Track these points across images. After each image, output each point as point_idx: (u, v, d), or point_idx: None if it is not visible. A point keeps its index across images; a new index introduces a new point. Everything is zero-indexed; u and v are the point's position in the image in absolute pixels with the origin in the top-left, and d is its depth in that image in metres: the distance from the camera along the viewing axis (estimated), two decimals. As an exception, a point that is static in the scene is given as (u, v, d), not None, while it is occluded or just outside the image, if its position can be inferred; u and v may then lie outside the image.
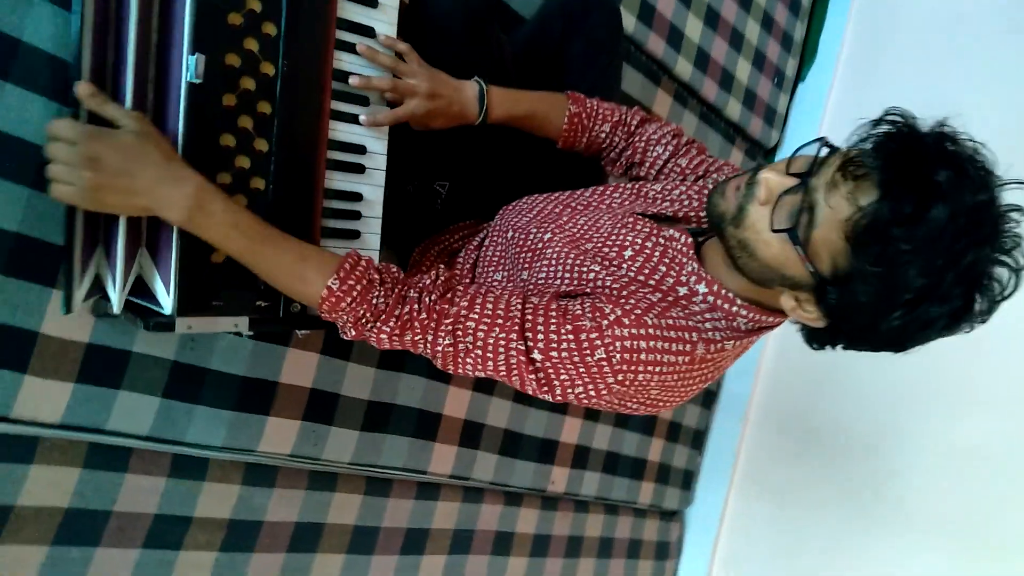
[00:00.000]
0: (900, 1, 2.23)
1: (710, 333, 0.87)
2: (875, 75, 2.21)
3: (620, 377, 0.83)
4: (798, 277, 0.78)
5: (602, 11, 1.29)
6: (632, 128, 1.17)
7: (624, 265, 0.94)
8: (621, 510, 1.96)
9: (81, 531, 1.04)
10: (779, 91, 2.27)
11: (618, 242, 0.96)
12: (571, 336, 0.84)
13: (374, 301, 0.87)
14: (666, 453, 2.04)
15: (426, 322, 0.88)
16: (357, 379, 1.30)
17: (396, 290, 0.89)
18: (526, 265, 1.01)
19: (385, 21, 1.03)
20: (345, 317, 0.88)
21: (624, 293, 0.90)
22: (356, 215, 1.03)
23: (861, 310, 0.74)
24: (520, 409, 1.60)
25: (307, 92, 0.95)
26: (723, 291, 0.88)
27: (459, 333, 0.88)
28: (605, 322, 0.83)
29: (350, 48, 0.99)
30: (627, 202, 1.06)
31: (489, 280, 1.08)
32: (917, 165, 0.69)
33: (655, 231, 0.96)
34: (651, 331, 0.83)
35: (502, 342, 0.87)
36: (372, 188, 1.04)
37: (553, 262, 0.98)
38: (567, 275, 0.96)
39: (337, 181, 1.00)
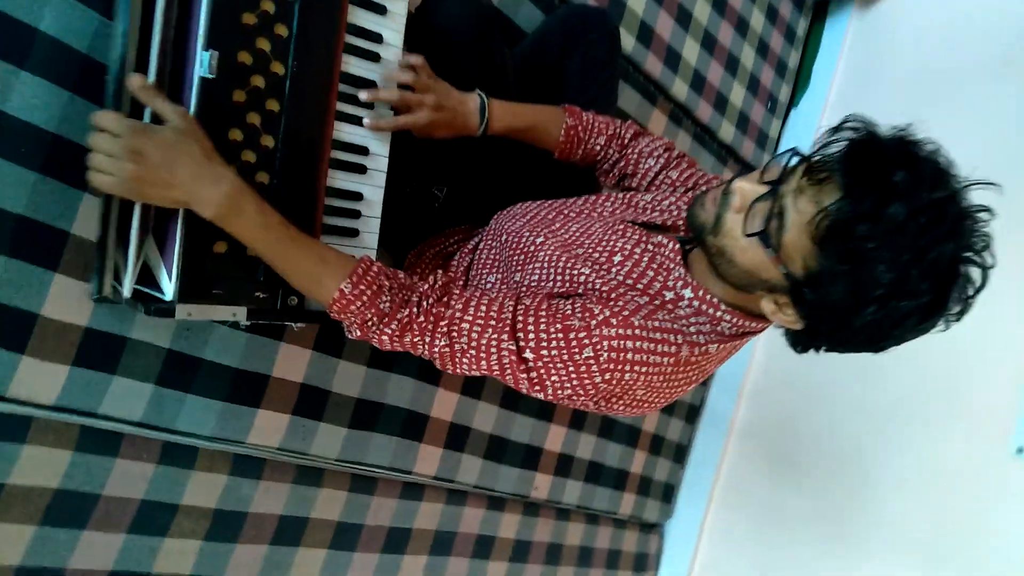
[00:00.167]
0: (894, 33, 2.29)
1: (694, 336, 0.90)
2: (866, 105, 2.24)
3: (607, 376, 0.86)
4: (774, 280, 0.82)
5: (601, 29, 1.33)
6: (625, 141, 1.21)
7: (613, 269, 0.97)
8: (602, 520, 1.98)
9: (69, 513, 1.05)
10: (772, 116, 2.32)
11: (608, 247, 0.99)
12: (560, 335, 0.87)
13: (381, 306, 0.91)
14: (648, 465, 2.07)
15: (424, 324, 0.92)
16: (348, 377, 1.32)
17: (400, 295, 0.93)
18: (519, 268, 1.05)
19: (393, 28, 1.06)
20: (352, 319, 0.92)
21: (613, 295, 0.93)
22: (356, 214, 1.06)
23: (835, 308, 0.77)
24: (506, 415, 1.62)
25: (315, 92, 0.98)
26: (708, 296, 0.92)
27: (455, 334, 0.92)
28: (594, 322, 0.86)
29: (358, 52, 1.03)
30: (618, 210, 1.09)
31: (483, 282, 1.11)
32: (876, 167, 0.73)
33: (644, 238, 1.00)
34: (637, 332, 0.86)
35: (494, 342, 0.90)
36: (373, 188, 1.07)
37: (545, 265, 1.01)
38: (558, 277, 0.99)
39: (339, 180, 1.03)
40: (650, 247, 0.98)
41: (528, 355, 0.89)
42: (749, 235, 0.81)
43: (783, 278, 0.80)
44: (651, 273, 0.96)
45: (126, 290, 0.89)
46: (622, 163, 1.20)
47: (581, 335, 0.86)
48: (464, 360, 0.94)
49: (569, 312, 0.89)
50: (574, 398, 0.91)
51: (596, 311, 0.88)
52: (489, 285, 1.10)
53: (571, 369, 0.87)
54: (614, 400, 0.92)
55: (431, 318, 0.92)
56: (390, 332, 0.93)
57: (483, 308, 0.92)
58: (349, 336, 0.96)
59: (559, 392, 0.91)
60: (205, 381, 1.14)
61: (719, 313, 0.92)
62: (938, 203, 0.72)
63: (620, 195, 1.12)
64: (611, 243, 1.00)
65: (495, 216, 1.19)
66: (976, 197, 0.76)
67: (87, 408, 1.04)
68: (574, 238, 1.03)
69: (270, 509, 1.27)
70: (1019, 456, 1.61)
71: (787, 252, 0.79)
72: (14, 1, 0.92)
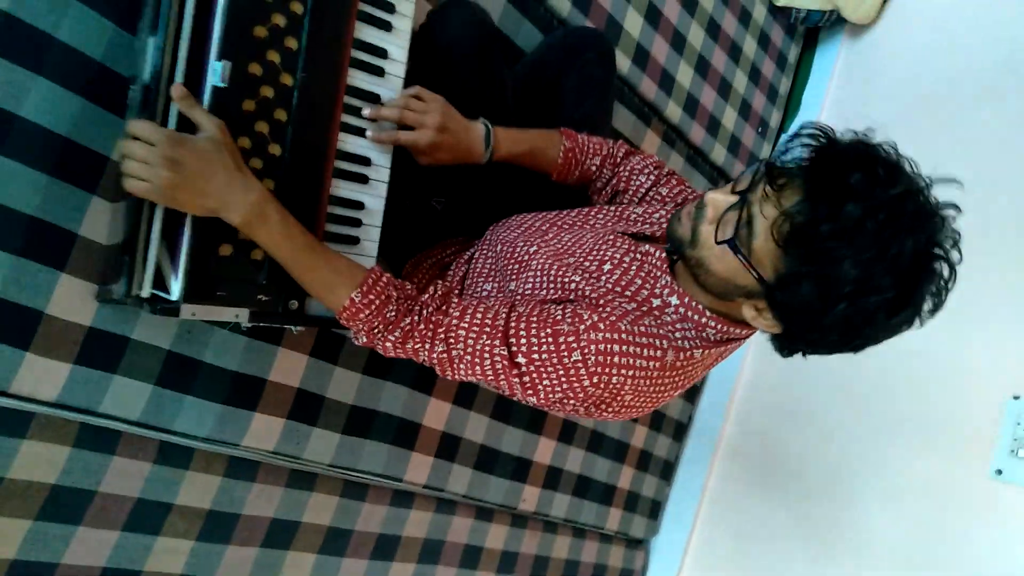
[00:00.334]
0: (882, 62, 2.35)
1: (680, 341, 0.94)
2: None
3: (595, 379, 0.89)
4: (749, 286, 0.85)
5: (598, 50, 1.38)
6: (618, 160, 1.25)
7: (603, 277, 1.00)
8: (588, 534, 2.00)
9: (65, 509, 1.07)
10: (762, 139, 2.37)
11: (598, 256, 1.03)
12: (550, 339, 0.91)
13: (387, 314, 0.96)
14: (636, 481, 2.09)
15: (424, 332, 0.96)
16: (343, 383, 1.34)
17: (405, 304, 0.97)
18: (514, 276, 1.08)
19: (397, 44, 1.10)
20: (360, 326, 0.96)
21: (602, 302, 0.96)
22: (357, 222, 1.09)
23: (806, 308, 0.80)
24: (498, 426, 1.64)
25: (321, 103, 1.01)
26: (693, 303, 0.95)
27: (451, 341, 0.96)
28: (582, 327, 0.90)
29: (364, 66, 1.06)
30: (610, 223, 1.13)
31: (479, 290, 1.14)
32: (833, 169, 0.76)
33: (633, 247, 1.03)
34: (624, 336, 0.89)
35: (487, 348, 0.94)
36: (374, 198, 1.10)
37: (538, 273, 1.05)
38: (551, 285, 1.03)
39: (342, 189, 1.06)
40: (638, 256, 1.02)
41: (520, 360, 0.93)
42: (719, 243, 0.84)
43: (756, 283, 0.84)
44: (639, 281, 0.99)
45: (145, 290, 0.91)
46: (615, 181, 1.24)
47: (570, 339, 0.90)
48: (461, 366, 0.97)
49: (559, 317, 0.93)
50: (565, 402, 0.94)
51: (585, 316, 0.91)
52: (485, 293, 1.13)
53: (561, 373, 0.91)
54: (603, 406, 0.95)
55: (431, 326, 0.96)
56: (393, 339, 0.97)
57: (478, 316, 0.96)
58: (355, 342, 1.01)
59: (551, 396, 0.94)
60: (204, 383, 1.17)
61: (704, 319, 0.95)
62: (895, 200, 0.74)
63: (612, 208, 1.16)
64: (601, 252, 1.03)
65: (490, 228, 1.22)
66: (945, 196, 0.79)
67: (87, 406, 1.06)
68: (566, 248, 1.07)
69: (262, 512, 1.29)
70: (998, 477, 1.64)
71: (757, 257, 0.82)
72: (34, 10, 0.95)
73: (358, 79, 1.06)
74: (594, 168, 1.24)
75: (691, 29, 2.00)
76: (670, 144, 2.03)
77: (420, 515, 1.55)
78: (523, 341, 0.92)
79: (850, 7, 2.29)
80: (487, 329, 0.94)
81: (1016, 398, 1.67)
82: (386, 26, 1.08)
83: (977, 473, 1.68)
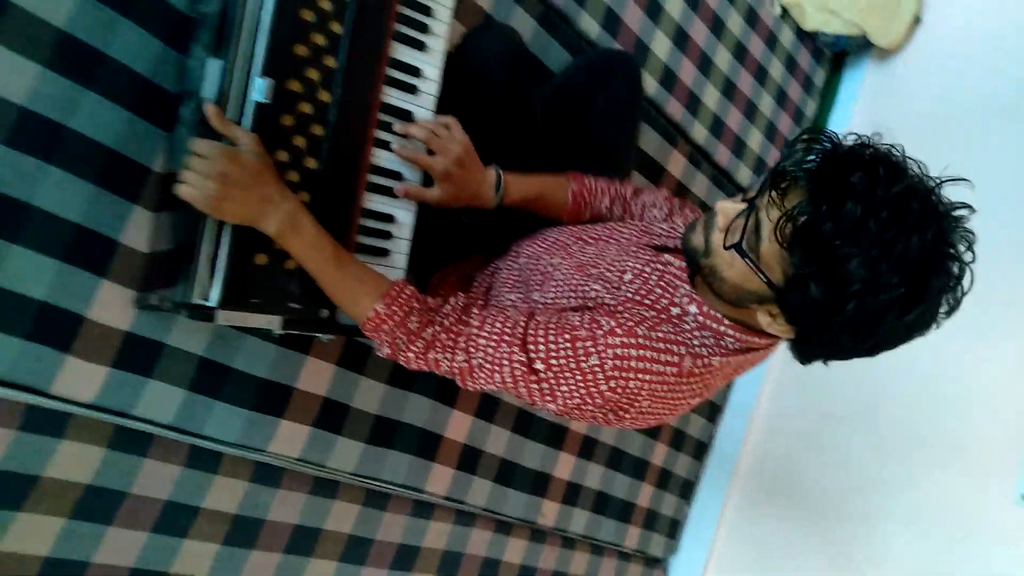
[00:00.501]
0: (909, 87, 2.36)
1: (697, 348, 0.95)
2: (880, 155, 2.32)
3: (612, 384, 0.91)
4: (760, 291, 0.86)
5: (625, 72, 1.41)
6: (627, 198, 1.28)
7: (623, 287, 1.02)
8: (607, 551, 2.00)
9: (97, 508, 1.09)
10: (788, 162, 2.37)
11: (620, 266, 1.05)
12: (568, 344, 0.93)
13: (410, 325, 0.98)
14: (655, 499, 2.09)
15: (445, 341, 0.99)
16: (368, 393, 1.37)
17: (427, 316, 0.99)
18: (537, 287, 1.11)
19: (431, 64, 1.13)
20: (384, 337, 0.99)
21: (620, 309, 0.98)
22: (387, 235, 1.12)
23: (816, 310, 0.80)
24: (518, 440, 1.66)
25: (356, 120, 1.05)
26: (712, 312, 0.96)
27: (472, 350, 0.98)
28: (599, 332, 0.92)
29: (398, 84, 1.10)
30: (634, 236, 1.15)
31: (503, 300, 1.16)
32: (835, 170, 0.76)
33: (654, 258, 1.05)
34: (641, 341, 0.91)
35: (506, 355, 0.96)
36: (405, 212, 1.13)
37: (561, 284, 1.07)
38: (571, 294, 1.05)
39: (374, 202, 1.09)
40: (659, 266, 1.03)
41: (539, 366, 0.95)
42: (727, 247, 0.86)
43: (766, 287, 0.84)
44: (659, 291, 1.00)
45: (196, 296, 0.95)
46: (627, 217, 1.27)
47: (588, 343, 0.91)
48: (481, 375, 0.99)
49: (577, 323, 0.94)
50: (584, 408, 0.96)
51: (603, 322, 0.93)
52: (509, 303, 1.15)
53: (579, 378, 0.92)
54: (621, 412, 0.96)
55: (451, 335, 0.99)
56: (415, 350, 0.99)
57: (498, 325, 0.98)
58: (379, 354, 1.03)
59: (569, 402, 0.95)
60: (234, 389, 1.19)
61: (722, 328, 0.96)
62: (897, 198, 0.74)
63: (638, 223, 1.18)
64: (623, 263, 1.05)
65: (515, 242, 1.25)
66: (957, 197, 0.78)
67: (122, 408, 1.09)
68: (589, 259, 1.09)
69: (286, 518, 1.31)
70: (1023, 502, 1.62)
71: (765, 261, 0.83)
72: (88, 28, 0.99)
73: (392, 96, 1.10)
74: (604, 208, 1.27)
75: (718, 52, 2.02)
76: (696, 165, 2.05)
77: (440, 526, 1.57)
78: (541, 347, 0.94)
79: (878, 32, 2.30)
80: (507, 337, 0.97)
81: (1043, 425, 1.65)
82: (420, 45, 1.12)
83: (1001, 498, 1.66)
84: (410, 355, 1.00)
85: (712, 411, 2.25)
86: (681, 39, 1.90)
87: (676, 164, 1.98)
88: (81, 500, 1.08)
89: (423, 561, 1.53)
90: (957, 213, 0.78)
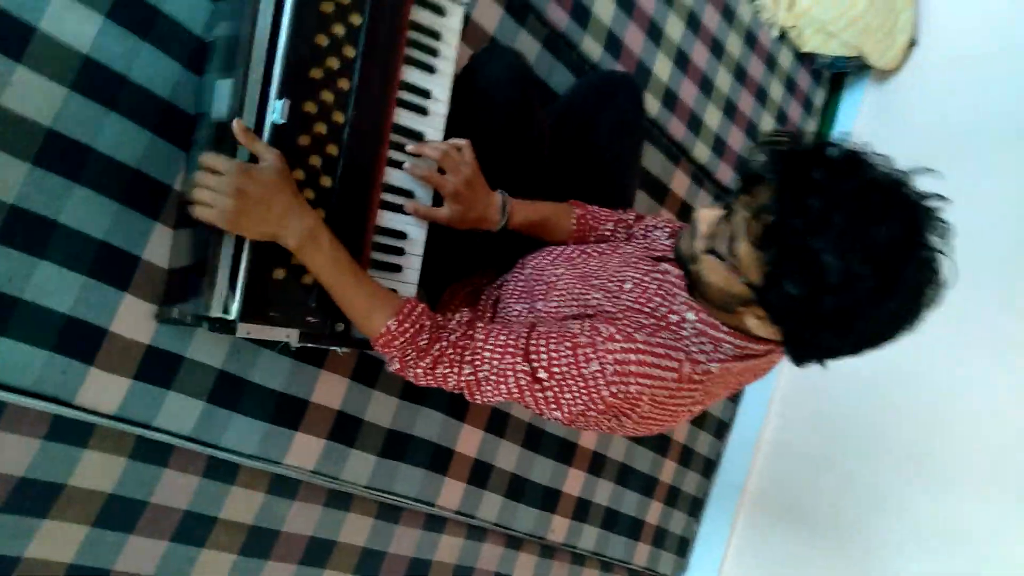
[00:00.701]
0: (907, 107, 2.40)
1: (696, 354, 0.97)
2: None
3: (614, 389, 0.93)
4: (742, 293, 0.89)
5: (626, 90, 1.46)
6: (630, 222, 1.33)
7: (623, 295, 1.05)
8: (616, 568, 2.00)
9: (119, 517, 1.12)
10: (790, 181, 2.41)
11: (620, 277, 1.08)
12: (570, 352, 0.96)
13: (420, 342, 1.01)
14: (664, 517, 2.09)
15: (452, 355, 1.02)
16: (381, 407, 1.40)
17: (436, 333, 1.02)
18: (541, 296, 1.14)
19: (441, 85, 1.18)
20: (395, 353, 1.02)
21: (620, 316, 1.01)
22: (400, 251, 1.15)
23: (796, 306, 0.81)
24: (528, 455, 1.68)
25: (369, 140, 1.09)
26: (709, 318, 0.99)
27: (477, 363, 1.01)
28: (599, 338, 0.95)
29: (409, 106, 1.14)
30: (637, 252, 1.18)
31: (510, 311, 1.20)
32: (796, 168, 0.79)
33: (653, 267, 1.08)
34: (640, 346, 0.94)
35: (510, 366, 0.99)
36: (416, 229, 1.17)
37: (563, 293, 1.11)
38: (573, 302, 1.09)
39: (387, 219, 1.13)
40: (658, 275, 1.07)
41: (542, 375, 0.98)
42: (704, 252, 0.90)
43: (746, 288, 0.87)
44: (658, 299, 1.03)
45: (216, 310, 0.98)
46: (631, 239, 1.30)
47: (588, 350, 0.94)
48: (488, 388, 1.02)
49: (577, 331, 0.97)
50: (588, 415, 0.98)
51: (602, 329, 0.96)
52: (515, 314, 1.18)
53: (581, 384, 0.95)
54: (623, 417, 0.99)
55: (458, 349, 1.02)
56: (424, 366, 1.03)
57: (502, 337, 1.02)
58: (389, 369, 1.06)
59: (573, 409, 0.98)
60: (251, 401, 1.23)
61: (720, 334, 0.99)
62: (862, 191, 0.76)
63: (641, 240, 1.22)
64: (623, 273, 1.09)
65: (521, 258, 1.29)
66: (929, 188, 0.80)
67: (144, 420, 1.13)
68: (592, 270, 1.13)
69: (301, 530, 1.33)
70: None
71: (743, 263, 0.86)
72: (110, 52, 1.05)
73: (404, 118, 1.14)
74: (608, 232, 1.31)
75: (719, 74, 2.07)
76: (698, 183, 2.09)
77: (451, 540, 1.58)
78: (543, 356, 0.97)
79: (875, 54, 2.34)
80: (510, 349, 1.00)
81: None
82: (430, 69, 1.16)
83: (1018, 520, 1.65)
84: (419, 371, 1.03)
85: (720, 428, 2.26)
86: (682, 61, 1.95)
87: (679, 183, 2.02)
88: (104, 508, 1.11)
89: (436, 575, 1.55)
90: (928, 204, 0.79)
